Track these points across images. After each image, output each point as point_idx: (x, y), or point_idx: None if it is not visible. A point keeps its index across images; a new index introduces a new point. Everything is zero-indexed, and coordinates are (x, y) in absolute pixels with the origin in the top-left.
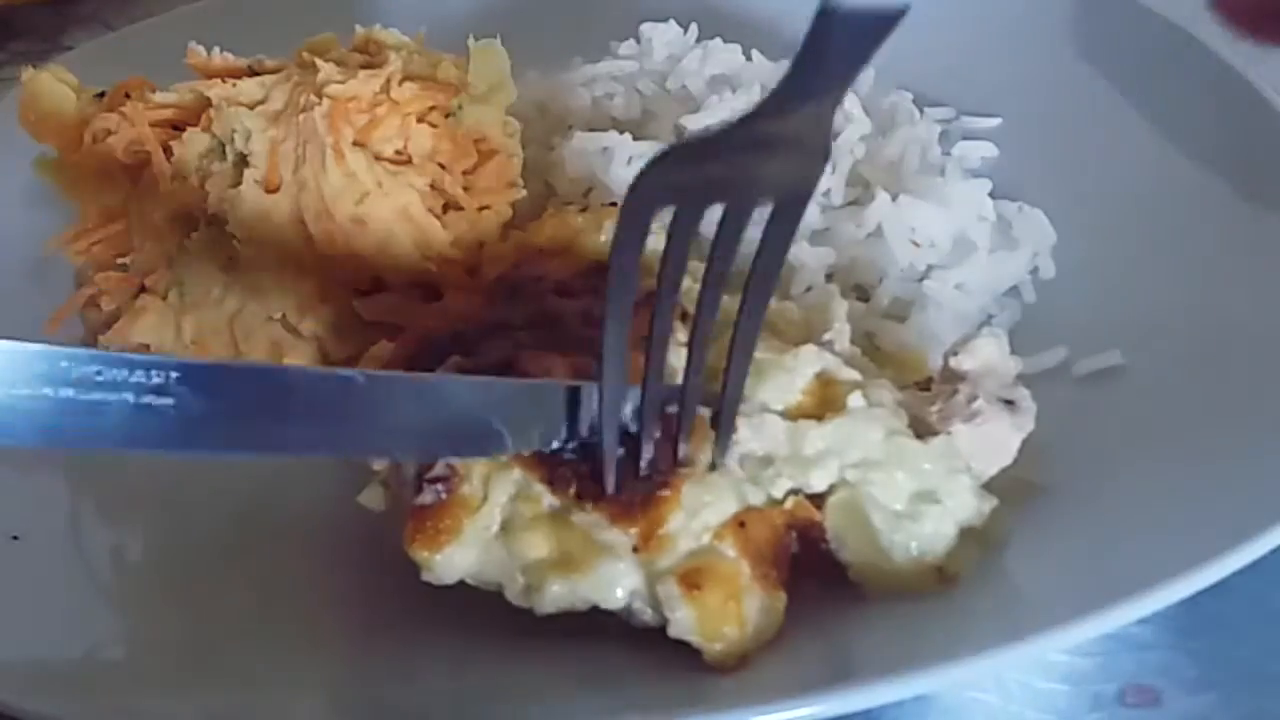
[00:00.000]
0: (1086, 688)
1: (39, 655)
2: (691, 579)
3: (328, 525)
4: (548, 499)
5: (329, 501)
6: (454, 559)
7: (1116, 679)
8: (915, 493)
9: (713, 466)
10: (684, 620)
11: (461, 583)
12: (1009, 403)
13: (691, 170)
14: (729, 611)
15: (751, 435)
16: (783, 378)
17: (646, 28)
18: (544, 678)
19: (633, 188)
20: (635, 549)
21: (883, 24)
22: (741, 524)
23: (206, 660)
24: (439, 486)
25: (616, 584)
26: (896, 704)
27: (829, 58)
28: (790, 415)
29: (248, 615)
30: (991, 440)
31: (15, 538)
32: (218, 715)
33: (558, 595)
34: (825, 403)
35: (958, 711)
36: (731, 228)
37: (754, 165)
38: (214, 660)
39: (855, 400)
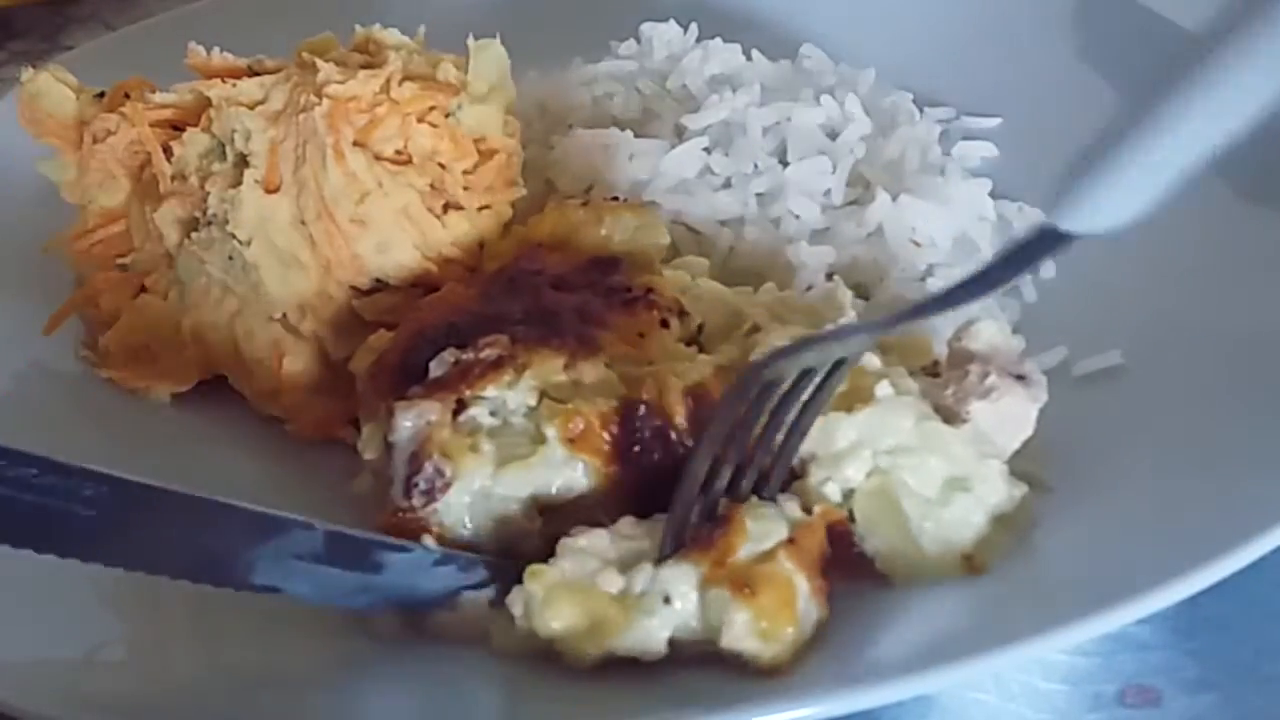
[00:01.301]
0: (1086, 688)
1: (39, 655)
2: (742, 582)
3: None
4: (563, 567)
5: (330, 500)
6: None
7: (1116, 679)
8: (947, 479)
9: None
10: (739, 623)
11: None
12: (1019, 377)
13: (792, 361)
14: (784, 615)
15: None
16: None
17: (646, 27)
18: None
19: (750, 369)
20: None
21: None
22: (792, 540)
23: (206, 660)
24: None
25: (657, 637)
26: (896, 704)
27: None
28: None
29: (248, 614)
30: (1010, 414)
31: None
32: (218, 715)
33: (597, 658)
34: (853, 394)
35: (958, 712)
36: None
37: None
38: (214, 660)
39: (883, 389)
